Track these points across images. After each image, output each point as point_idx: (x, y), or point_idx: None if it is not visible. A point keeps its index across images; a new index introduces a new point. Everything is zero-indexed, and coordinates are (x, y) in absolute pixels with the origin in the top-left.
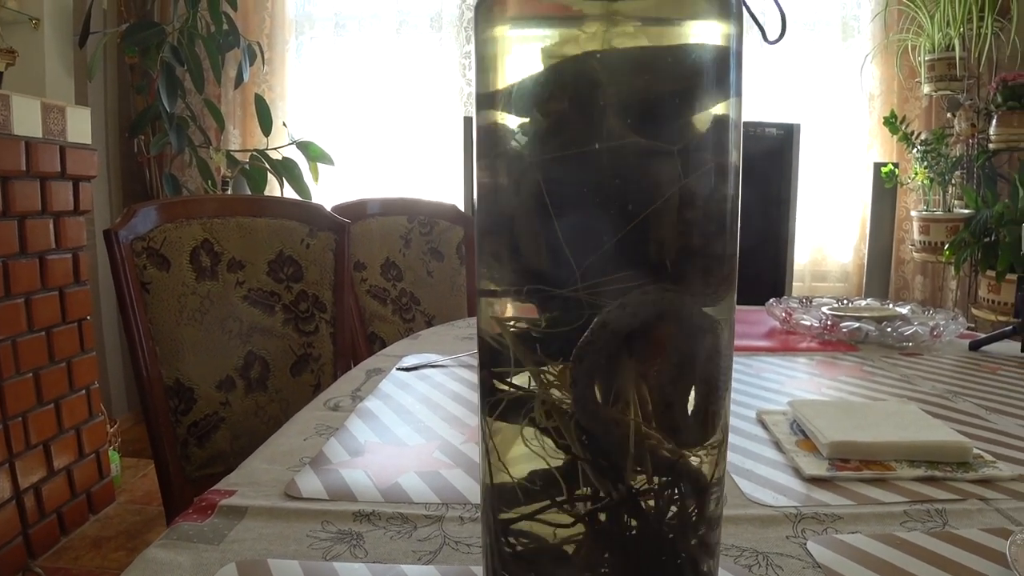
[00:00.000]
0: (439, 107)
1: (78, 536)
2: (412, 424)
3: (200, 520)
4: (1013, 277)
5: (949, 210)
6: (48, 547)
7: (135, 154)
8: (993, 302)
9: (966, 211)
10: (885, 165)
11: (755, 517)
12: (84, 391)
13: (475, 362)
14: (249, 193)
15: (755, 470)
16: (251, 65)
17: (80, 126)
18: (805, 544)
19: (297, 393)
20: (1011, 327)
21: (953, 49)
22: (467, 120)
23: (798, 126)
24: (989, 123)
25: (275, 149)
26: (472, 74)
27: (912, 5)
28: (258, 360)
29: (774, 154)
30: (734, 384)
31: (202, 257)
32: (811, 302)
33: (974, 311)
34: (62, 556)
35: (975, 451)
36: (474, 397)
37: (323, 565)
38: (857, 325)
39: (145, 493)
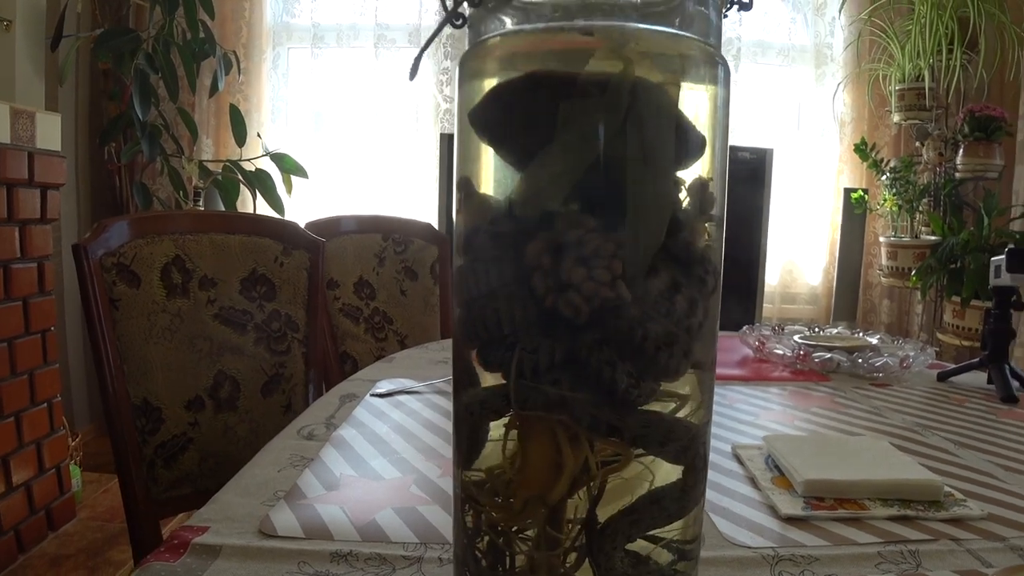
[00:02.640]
0: (415, 123)
1: (37, 554)
2: (388, 455)
3: (172, 560)
4: (978, 303)
5: (916, 236)
6: (5, 565)
7: (105, 162)
8: (958, 327)
9: (933, 238)
10: (855, 191)
11: (733, 559)
12: (46, 404)
13: (450, 389)
14: (221, 204)
15: (732, 508)
16: (226, 74)
17: (50, 132)
18: None
19: (267, 414)
20: (978, 359)
21: (923, 80)
22: (443, 137)
23: (771, 151)
24: (956, 153)
25: (249, 160)
26: (450, 91)
27: (884, 36)
28: (228, 380)
29: (747, 178)
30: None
31: (173, 274)
32: (783, 330)
33: (939, 336)
34: (20, 575)
35: (946, 489)
36: (449, 426)
37: None
38: (829, 356)
39: (107, 509)
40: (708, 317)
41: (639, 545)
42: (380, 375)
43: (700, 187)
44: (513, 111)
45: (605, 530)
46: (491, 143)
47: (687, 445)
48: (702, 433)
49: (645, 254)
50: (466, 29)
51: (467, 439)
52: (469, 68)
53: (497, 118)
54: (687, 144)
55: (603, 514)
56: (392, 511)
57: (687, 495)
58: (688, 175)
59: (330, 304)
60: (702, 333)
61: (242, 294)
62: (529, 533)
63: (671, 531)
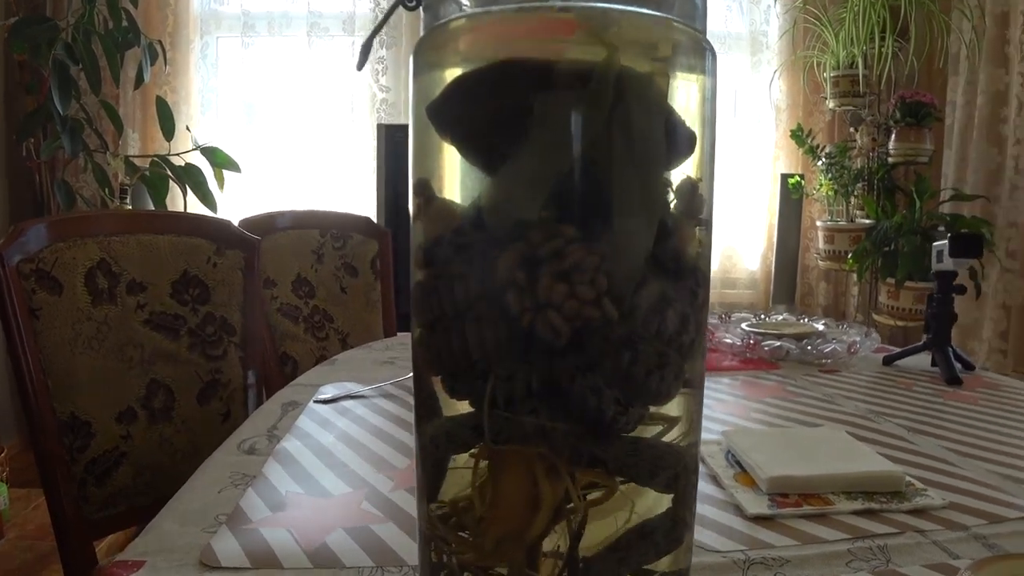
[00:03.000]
0: (351, 114)
1: None
2: (335, 468)
3: None
4: (912, 284)
5: (852, 220)
6: None
7: (24, 159)
8: (893, 308)
9: (867, 221)
10: (792, 176)
11: (704, 565)
12: None
13: (397, 392)
14: (150, 201)
15: (697, 509)
16: (152, 65)
17: None
18: None
19: (205, 423)
20: (922, 343)
21: (856, 67)
22: (380, 128)
23: None
24: (888, 138)
25: (178, 155)
26: (385, 80)
27: (818, 24)
28: (162, 389)
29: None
30: None
31: (99, 279)
32: (730, 318)
33: (875, 316)
34: None
35: (906, 479)
36: (399, 433)
37: None
38: (779, 344)
39: (37, 527)
40: (699, 332)
41: None
42: (323, 379)
43: (690, 188)
44: (480, 106)
45: (590, 569)
46: (454, 142)
47: (678, 472)
48: (693, 457)
49: (633, 267)
50: (417, 12)
51: (432, 473)
52: (427, 56)
53: (461, 114)
54: (677, 141)
55: (585, 548)
56: (344, 532)
57: (678, 526)
58: (675, 175)
59: (267, 304)
60: (693, 350)
61: (173, 298)
62: (500, 570)
63: (661, 564)
